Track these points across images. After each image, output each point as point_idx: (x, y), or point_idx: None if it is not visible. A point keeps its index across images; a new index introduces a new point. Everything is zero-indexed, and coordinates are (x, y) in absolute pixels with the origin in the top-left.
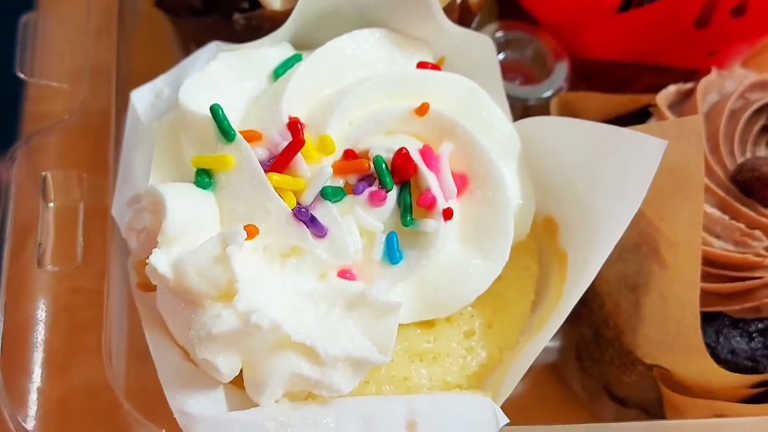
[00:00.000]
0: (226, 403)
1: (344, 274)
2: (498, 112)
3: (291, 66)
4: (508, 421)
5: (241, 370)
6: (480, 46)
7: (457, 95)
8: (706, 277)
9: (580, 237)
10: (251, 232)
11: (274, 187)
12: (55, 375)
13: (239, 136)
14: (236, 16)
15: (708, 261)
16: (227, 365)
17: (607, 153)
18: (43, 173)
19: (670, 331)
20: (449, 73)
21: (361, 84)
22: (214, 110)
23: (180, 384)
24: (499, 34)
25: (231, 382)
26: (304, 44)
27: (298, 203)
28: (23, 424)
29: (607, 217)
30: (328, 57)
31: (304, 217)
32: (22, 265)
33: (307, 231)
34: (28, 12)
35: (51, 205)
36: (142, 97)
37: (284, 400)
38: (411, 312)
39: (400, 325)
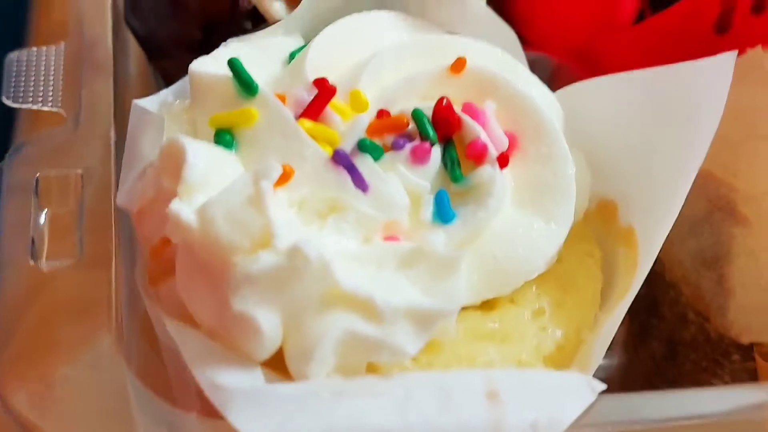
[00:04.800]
0: (265, 381)
1: (391, 239)
2: (537, 80)
3: None
4: (605, 386)
5: (280, 350)
6: (504, 37)
7: (491, 61)
8: None
9: (647, 203)
10: (287, 172)
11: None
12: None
13: (263, 89)
14: None
15: None
16: (268, 322)
17: (667, 95)
18: (37, 174)
19: None
20: (481, 42)
21: (389, 47)
22: (233, 63)
23: (210, 360)
24: None
25: (268, 365)
26: None
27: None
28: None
29: (676, 165)
30: (346, 29)
31: (344, 161)
32: (17, 262)
33: (347, 177)
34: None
35: (45, 210)
36: (145, 105)
37: (336, 376)
38: (468, 290)
39: None
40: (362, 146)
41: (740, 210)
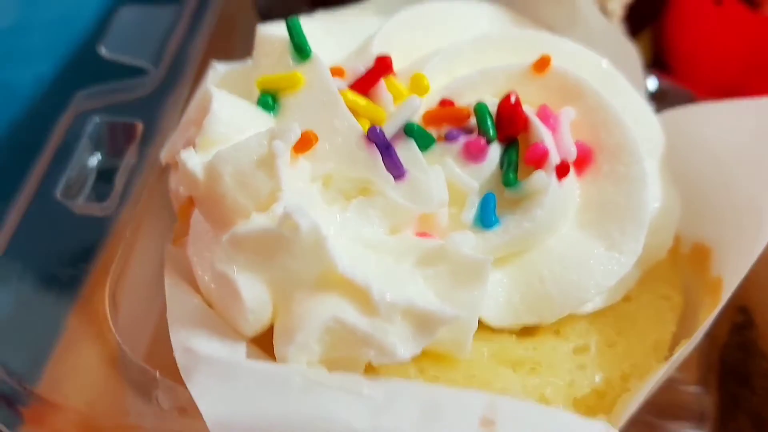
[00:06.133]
0: (245, 356)
1: (423, 235)
2: (638, 98)
3: None
4: None
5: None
6: (620, 51)
7: (585, 67)
8: None
9: (739, 252)
10: (308, 138)
11: (348, 108)
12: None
13: (316, 54)
14: None
15: None
16: (252, 291)
17: None
18: (96, 119)
19: None
20: (581, 46)
21: (469, 37)
22: (291, 24)
23: (192, 324)
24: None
25: (261, 345)
26: None
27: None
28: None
29: None
30: (432, 11)
31: (379, 140)
32: (50, 198)
33: (379, 159)
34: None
35: (98, 154)
36: (222, 69)
37: (321, 366)
38: (506, 311)
39: (489, 329)
40: (408, 130)
41: None
